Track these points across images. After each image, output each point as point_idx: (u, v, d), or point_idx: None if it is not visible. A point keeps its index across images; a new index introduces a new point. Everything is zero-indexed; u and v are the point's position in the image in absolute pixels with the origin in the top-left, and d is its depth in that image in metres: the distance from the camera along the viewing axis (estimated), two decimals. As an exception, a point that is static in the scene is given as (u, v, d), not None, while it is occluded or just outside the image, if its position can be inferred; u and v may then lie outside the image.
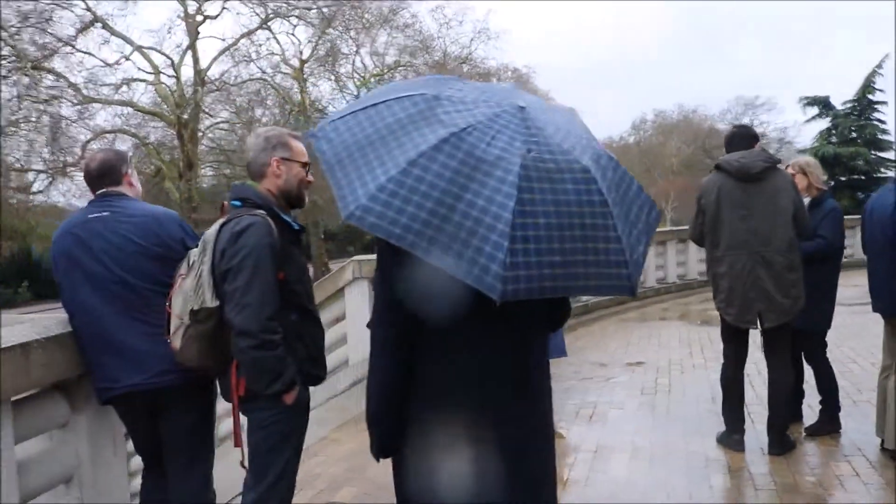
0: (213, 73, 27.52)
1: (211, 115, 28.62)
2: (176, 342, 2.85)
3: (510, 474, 2.05)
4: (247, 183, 3.02)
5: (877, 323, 5.05)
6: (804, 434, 5.34)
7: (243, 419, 2.93)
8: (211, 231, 2.87)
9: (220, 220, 2.89)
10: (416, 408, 2.07)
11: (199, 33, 26.98)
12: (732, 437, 5.12)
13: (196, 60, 26.87)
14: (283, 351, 2.77)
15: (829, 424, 5.41)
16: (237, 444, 2.93)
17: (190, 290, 2.81)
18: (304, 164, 3.07)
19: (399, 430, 2.10)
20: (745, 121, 42.70)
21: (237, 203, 2.92)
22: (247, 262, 2.71)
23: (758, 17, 66.75)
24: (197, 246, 3.15)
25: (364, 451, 5.19)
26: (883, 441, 4.93)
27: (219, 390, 3.10)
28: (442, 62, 29.42)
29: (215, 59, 27.45)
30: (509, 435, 2.07)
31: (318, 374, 3.06)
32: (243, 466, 2.93)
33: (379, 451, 2.18)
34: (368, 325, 2.13)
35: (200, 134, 28.14)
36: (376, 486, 4.56)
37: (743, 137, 5.02)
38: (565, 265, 1.80)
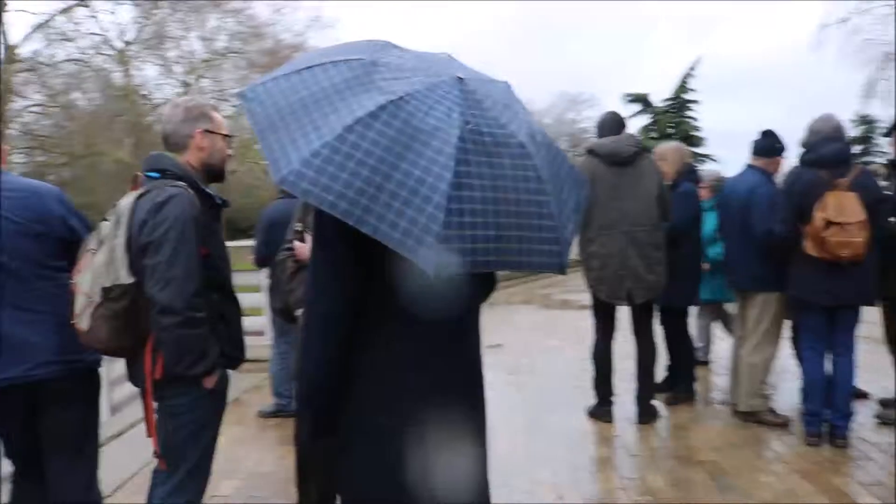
0: (25, 51, 25.44)
1: (22, 98, 26.44)
2: (83, 323, 2.62)
3: (457, 456, 2.04)
4: (164, 154, 2.84)
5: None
6: (665, 403, 5.69)
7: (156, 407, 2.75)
8: (125, 203, 2.66)
9: (135, 192, 2.70)
10: (360, 390, 1.99)
11: (5, 4, 24.79)
12: (603, 408, 5.39)
13: (3, 35, 24.72)
14: (207, 330, 2.63)
15: (686, 393, 5.82)
16: (150, 433, 2.76)
17: (101, 266, 2.60)
18: (226, 137, 2.93)
19: (336, 413, 2.01)
20: (570, 116, 44.67)
21: (154, 174, 2.74)
22: (170, 234, 2.55)
23: (587, 16, 69.64)
24: (79, 224, 2.95)
25: (241, 441, 5.06)
26: (736, 405, 5.37)
27: (127, 375, 2.88)
28: (275, 50, 28.62)
29: (27, 36, 25.40)
30: (458, 417, 2.05)
31: (237, 356, 2.90)
32: (157, 456, 2.76)
33: (314, 436, 2.05)
34: (304, 300, 2.03)
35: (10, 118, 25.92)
36: (258, 477, 4.47)
37: (613, 123, 5.28)
38: (500, 239, 1.79)
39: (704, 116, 41.97)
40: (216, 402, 2.83)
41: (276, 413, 5.64)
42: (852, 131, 32.24)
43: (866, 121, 31.53)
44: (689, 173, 5.81)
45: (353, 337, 1.95)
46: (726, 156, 35.77)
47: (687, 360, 5.85)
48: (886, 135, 5.32)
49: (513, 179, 1.82)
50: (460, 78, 1.91)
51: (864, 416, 5.16)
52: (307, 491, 3.48)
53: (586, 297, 5.58)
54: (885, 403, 5.30)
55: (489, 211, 1.76)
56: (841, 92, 44.74)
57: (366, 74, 1.85)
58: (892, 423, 5.06)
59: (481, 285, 2.18)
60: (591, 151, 5.19)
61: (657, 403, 5.52)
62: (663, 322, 5.75)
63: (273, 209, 5.29)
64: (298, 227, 3.32)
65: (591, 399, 5.51)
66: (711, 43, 65.74)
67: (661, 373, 5.83)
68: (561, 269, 1.89)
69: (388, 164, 1.71)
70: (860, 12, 26.99)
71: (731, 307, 6.14)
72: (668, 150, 5.86)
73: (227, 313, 2.84)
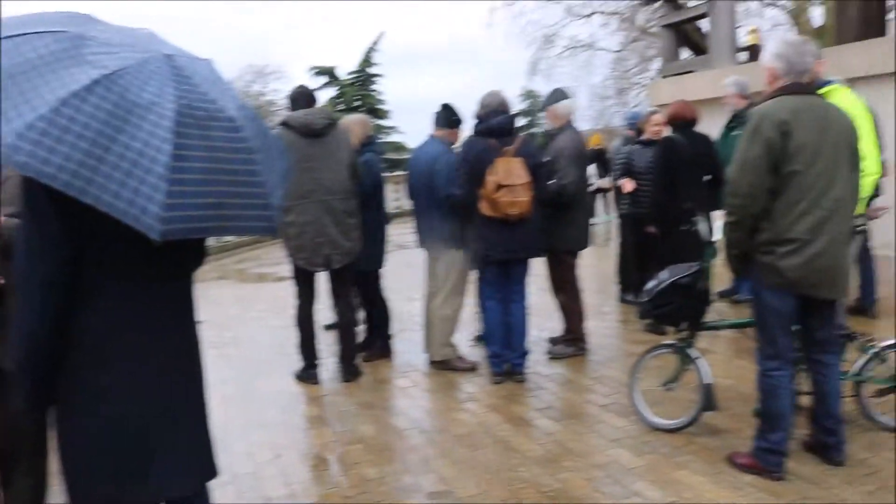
0: None
1: None
2: None
3: (175, 419, 2.14)
4: None
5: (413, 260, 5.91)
6: (363, 360, 6.04)
7: None
8: None
9: None
10: (77, 355, 2.02)
11: None
12: (309, 371, 5.62)
13: None
14: None
15: (384, 350, 6.23)
16: None
17: None
18: None
19: (54, 380, 2.03)
20: (256, 88, 44.00)
21: None
22: None
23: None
24: None
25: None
26: (430, 355, 5.87)
27: None
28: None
29: None
30: (174, 381, 2.15)
31: None
32: None
33: (34, 405, 2.08)
34: (15, 268, 2.02)
35: None
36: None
37: (304, 97, 5.46)
38: (218, 207, 1.92)
39: (388, 89, 43.66)
40: None
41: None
42: (520, 104, 35.38)
43: (531, 95, 34.62)
44: (370, 143, 6.16)
45: (70, 304, 1.99)
46: (410, 127, 37.56)
47: (382, 319, 6.25)
48: (542, 109, 6.05)
49: (226, 151, 1.95)
50: (168, 55, 1.98)
51: (537, 354, 5.90)
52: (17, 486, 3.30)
53: (283, 270, 5.77)
54: (553, 341, 6.11)
55: (208, 180, 1.88)
56: (511, 68, 48.77)
57: (74, 48, 1.86)
58: (559, 357, 5.86)
59: (193, 252, 2.29)
60: (284, 124, 5.33)
61: (359, 362, 5.87)
62: (358, 285, 6.08)
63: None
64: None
65: (297, 364, 5.72)
66: (394, 17, 68.18)
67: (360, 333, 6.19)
68: (274, 231, 2.07)
69: (107, 136, 1.76)
70: (519, -5, 29.62)
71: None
72: (352, 122, 6.16)
73: None
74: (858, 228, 4.30)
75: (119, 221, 1.75)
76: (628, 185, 6.95)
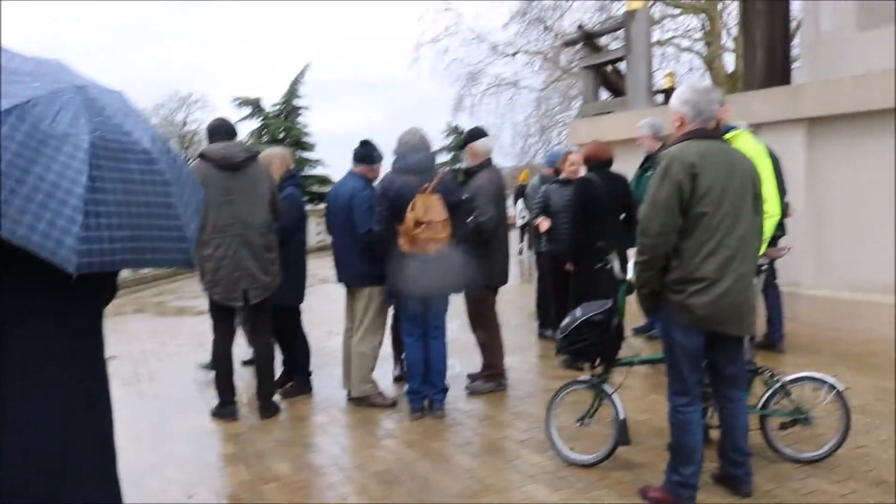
0: None
1: None
2: None
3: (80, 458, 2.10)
4: None
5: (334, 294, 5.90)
6: (281, 398, 5.96)
7: None
8: None
9: None
10: None
11: None
12: (226, 408, 5.52)
13: None
14: None
15: (303, 386, 6.16)
16: None
17: None
18: None
19: None
20: (180, 117, 43.42)
21: None
22: None
23: (195, 17, 68.07)
24: None
25: None
26: (349, 391, 5.82)
27: None
28: None
29: None
30: (79, 416, 2.10)
31: None
32: None
33: None
34: None
35: None
36: None
37: (223, 129, 5.43)
38: (134, 239, 1.90)
39: (314, 122, 43.63)
40: None
41: None
42: (445, 140, 35.77)
43: (456, 131, 35.00)
44: (292, 177, 6.13)
45: None
46: (335, 160, 37.52)
47: (302, 355, 6.19)
48: (461, 147, 6.13)
49: (141, 183, 1.93)
50: (80, 86, 1.95)
51: (456, 390, 5.91)
52: None
53: (202, 303, 5.66)
54: (472, 377, 6.14)
55: (123, 213, 1.86)
56: (437, 103, 49.42)
57: None
58: (479, 393, 5.89)
59: (106, 286, 2.24)
60: (203, 156, 5.28)
61: (277, 398, 5.79)
62: (277, 320, 6.01)
63: None
64: None
65: (214, 400, 5.60)
66: (321, 50, 68.33)
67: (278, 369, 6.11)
68: (190, 263, 2.06)
69: (20, 168, 1.72)
70: (450, 34, 30.13)
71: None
72: (273, 156, 6.12)
73: None
74: (763, 268, 4.46)
75: (33, 255, 1.72)
76: (544, 223, 7.09)
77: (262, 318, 5.56)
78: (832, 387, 4.12)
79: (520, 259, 16.21)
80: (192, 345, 8.14)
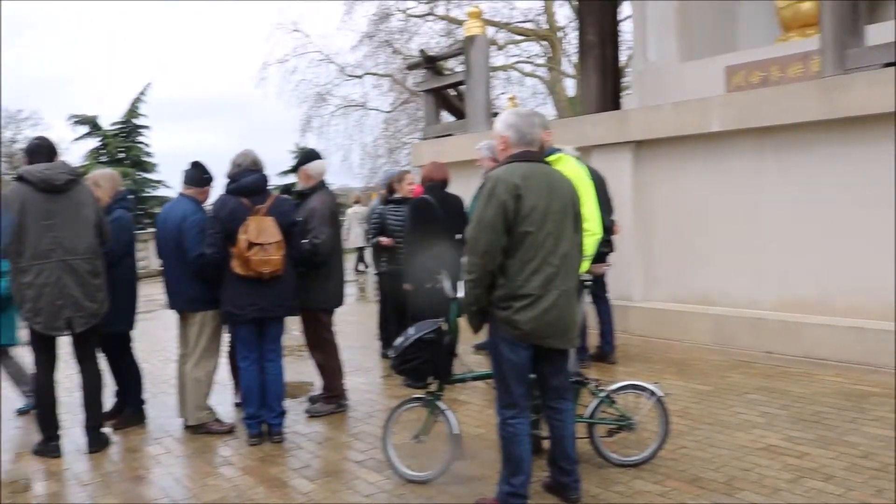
0: None
1: None
2: None
3: None
4: None
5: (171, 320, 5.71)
6: (113, 429, 5.69)
7: None
8: None
9: None
10: None
11: None
12: (50, 444, 5.20)
13: None
14: None
15: (136, 416, 5.91)
16: None
17: None
18: None
19: None
20: (8, 134, 40.81)
21: None
22: None
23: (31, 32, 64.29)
24: None
25: None
26: (185, 419, 5.64)
27: None
28: None
29: None
30: None
31: None
32: None
33: None
34: None
35: None
36: None
37: (44, 149, 5.14)
38: None
39: (157, 141, 42.10)
40: None
41: None
42: (293, 160, 35.39)
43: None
44: (122, 199, 5.89)
45: None
46: (178, 181, 36.18)
47: (134, 384, 5.94)
48: (293, 170, 6.07)
49: None
50: None
51: (295, 413, 5.84)
52: None
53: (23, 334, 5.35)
54: (312, 399, 6.08)
55: None
56: (285, 124, 48.88)
57: None
58: (318, 415, 5.83)
59: None
60: (21, 178, 4.99)
61: (108, 430, 5.52)
62: (106, 348, 5.76)
63: None
64: None
65: (36, 437, 5.27)
66: (165, 68, 66.12)
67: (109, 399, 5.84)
68: None
69: None
70: (297, 55, 29.92)
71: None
72: (100, 177, 5.85)
73: None
74: (587, 283, 4.68)
75: None
76: (385, 241, 7.16)
77: (88, 348, 5.28)
78: (653, 393, 4.37)
79: (356, 280, 16.46)
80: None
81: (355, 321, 10.15)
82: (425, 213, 6.25)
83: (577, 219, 3.81)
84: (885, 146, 6.56)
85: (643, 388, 4.42)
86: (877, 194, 6.64)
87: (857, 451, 4.53)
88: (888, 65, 6.63)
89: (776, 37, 11.68)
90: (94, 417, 5.32)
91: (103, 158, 28.49)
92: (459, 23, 25.98)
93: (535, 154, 3.80)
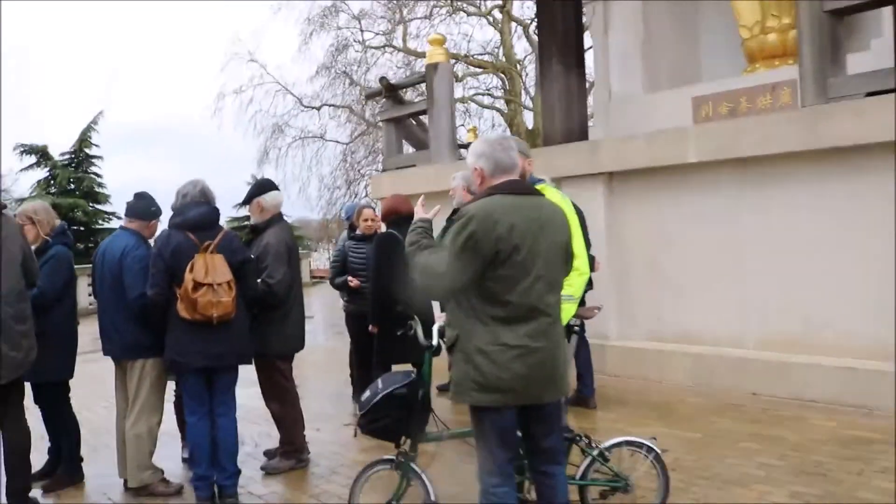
0: None
1: None
2: None
3: None
4: None
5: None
6: (43, 491, 5.11)
7: None
8: None
9: None
10: None
11: None
12: (-33, 512, 4.59)
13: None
14: None
15: (72, 475, 5.32)
16: None
17: None
18: None
19: None
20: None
21: None
22: None
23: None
24: None
25: None
26: (126, 480, 5.06)
27: None
28: None
29: None
30: None
31: None
32: None
33: None
34: None
35: None
36: None
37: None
38: None
39: (110, 172, 41.14)
40: None
41: None
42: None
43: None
44: (62, 234, 5.33)
45: None
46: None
47: (70, 439, 5.34)
48: (245, 203, 5.55)
49: None
50: None
51: (251, 470, 5.28)
52: None
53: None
54: (269, 454, 5.54)
55: None
56: (241, 154, 48.21)
57: None
58: (276, 472, 5.29)
59: None
60: (-65, 213, 4.43)
61: (37, 493, 4.92)
62: (38, 400, 5.20)
63: None
64: None
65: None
66: (118, 98, 65.12)
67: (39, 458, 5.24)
68: None
69: None
70: (254, 85, 29.42)
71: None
72: (38, 209, 5.29)
73: None
74: (575, 328, 4.27)
75: None
76: (353, 283, 6.68)
77: (12, 402, 4.66)
78: (650, 449, 3.94)
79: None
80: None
81: (323, 363, 9.67)
82: (390, 248, 5.78)
83: (567, 258, 3.41)
84: (870, 177, 6.29)
85: (639, 444, 3.99)
86: (862, 225, 6.35)
87: (871, 509, 4.14)
88: (871, 94, 6.37)
89: (742, 68, 11.53)
90: (19, 479, 4.69)
91: (52, 189, 27.67)
92: (418, 55, 25.76)
93: (520, 184, 3.38)
